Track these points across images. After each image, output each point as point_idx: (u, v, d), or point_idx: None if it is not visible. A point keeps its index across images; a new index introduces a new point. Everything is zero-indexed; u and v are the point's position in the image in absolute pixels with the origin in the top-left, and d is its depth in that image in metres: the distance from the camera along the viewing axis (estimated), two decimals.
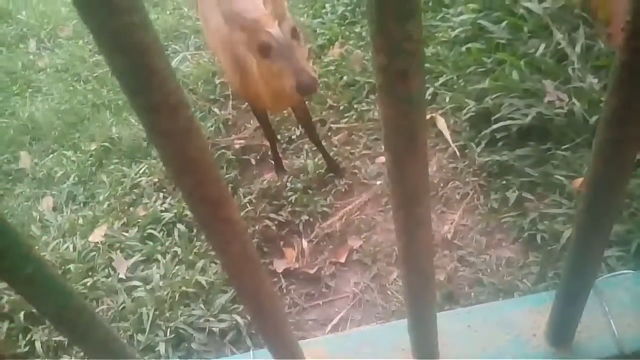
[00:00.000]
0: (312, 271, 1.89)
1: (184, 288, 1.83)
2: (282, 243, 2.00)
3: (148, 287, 1.86)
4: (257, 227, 2.04)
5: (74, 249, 2.05)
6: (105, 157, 2.44)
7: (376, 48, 0.36)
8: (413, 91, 0.38)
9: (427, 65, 2.37)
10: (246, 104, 2.58)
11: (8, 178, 2.52)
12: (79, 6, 0.31)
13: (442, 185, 2.00)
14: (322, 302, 1.81)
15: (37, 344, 1.77)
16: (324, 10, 2.97)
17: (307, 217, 2.04)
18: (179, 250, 1.97)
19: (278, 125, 2.39)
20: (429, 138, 2.17)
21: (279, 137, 2.34)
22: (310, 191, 2.13)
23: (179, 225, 2.05)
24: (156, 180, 2.26)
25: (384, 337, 0.77)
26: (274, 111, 2.15)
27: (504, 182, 1.89)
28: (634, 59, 0.42)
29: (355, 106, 2.38)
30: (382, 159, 2.17)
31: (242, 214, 2.08)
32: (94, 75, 2.96)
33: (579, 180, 1.79)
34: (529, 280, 1.65)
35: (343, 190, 2.10)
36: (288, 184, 2.17)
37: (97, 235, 2.08)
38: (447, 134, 2.12)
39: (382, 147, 0.46)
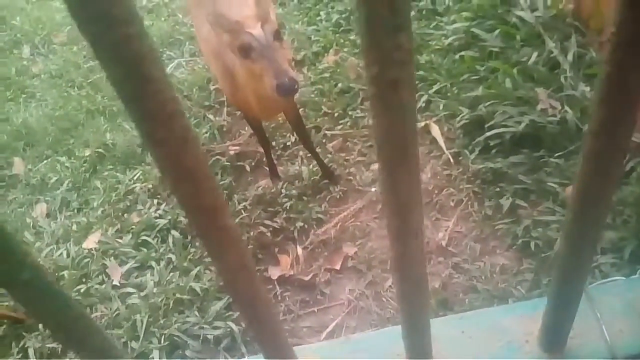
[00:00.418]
0: (306, 278, 1.89)
1: (178, 295, 1.82)
2: (276, 250, 2.00)
3: (142, 293, 1.86)
4: (251, 233, 2.04)
5: (68, 255, 2.04)
6: (100, 163, 2.44)
7: (368, 59, 0.37)
8: (404, 100, 0.38)
9: (421, 72, 2.39)
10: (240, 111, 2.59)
11: (1, 184, 2.51)
12: (76, 18, 0.31)
13: (436, 192, 2.01)
14: (317, 309, 1.81)
15: (30, 351, 1.76)
16: (318, 18, 2.98)
17: (302, 224, 2.04)
18: (173, 257, 1.97)
19: (273, 132, 2.40)
20: (423, 145, 2.19)
21: (273, 143, 2.34)
22: (305, 198, 2.13)
23: (173, 232, 2.05)
24: (150, 186, 2.26)
25: (378, 344, 0.78)
26: (265, 118, 2.14)
27: (498, 189, 1.90)
28: (619, 71, 0.42)
29: (350, 113, 2.39)
30: (377, 165, 2.18)
31: (237, 220, 2.08)
32: (88, 81, 2.95)
33: (572, 187, 1.80)
34: (523, 287, 1.66)
35: (338, 197, 2.10)
36: (283, 191, 2.17)
37: (91, 242, 2.07)
38: (441, 141, 2.13)
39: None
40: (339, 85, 2.50)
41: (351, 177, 2.15)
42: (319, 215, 2.06)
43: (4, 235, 0.41)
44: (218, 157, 2.36)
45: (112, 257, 2.01)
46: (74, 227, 2.16)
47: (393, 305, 1.75)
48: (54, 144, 2.61)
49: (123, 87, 0.34)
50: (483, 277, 1.72)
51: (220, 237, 0.45)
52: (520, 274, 1.70)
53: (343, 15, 2.91)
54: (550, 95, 2.03)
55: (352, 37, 2.76)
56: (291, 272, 1.93)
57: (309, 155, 2.18)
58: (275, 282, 1.90)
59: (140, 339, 1.74)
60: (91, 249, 2.05)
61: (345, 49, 2.70)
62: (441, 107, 2.22)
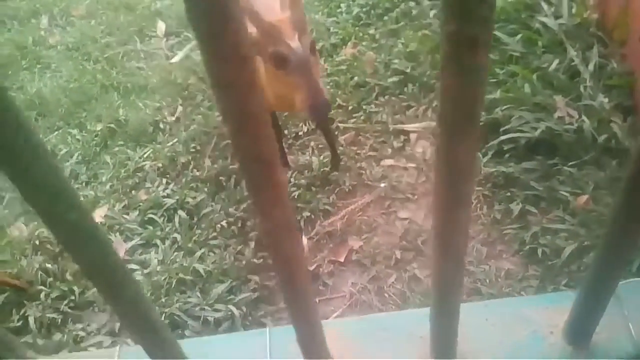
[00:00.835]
0: (310, 268, 1.88)
1: (181, 275, 1.82)
2: None
3: (145, 271, 1.86)
4: (258, 220, 2.04)
5: None
6: (111, 139, 2.44)
7: (446, 15, 0.35)
8: (480, 61, 0.37)
9: (438, 71, 2.37)
10: None
11: None
12: None
13: None
14: (319, 299, 1.81)
15: (31, 320, 1.77)
16: (339, 10, 2.96)
17: (308, 214, 2.04)
18: (178, 236, 1.97)
19: (286, 120, 2.39)
20: (435, 145, 2.17)
21: (285, 132, 2.33)
22: (313, 188, 2.13)
23: (179, 212, 2.05)
24: (160, 165, 2.26)
25: (402, 324, 0.78)
26: (279, 110, 2.12)
27: (509, 193, 1.90)
28: None
29: (364, 107, 2.38)
30: (388, 161, 2.18)
31: (244, 205, 2.08)
32: (105, 56, 2.95)
33: (584, 197, 1.79)
34: (527, 292, 1.65)
35: (347, 190, 2.10)
36: (291, 180, 2.17)
37: (98, 216, 2.08)
38: None
39: (434, 120, 0.45)
40: (355, 78, 2.49)
41: (362, 171, 2.14)
42: (327, 207, 2.06)
43: (57, 174, 0.41)
44: (229, 141, 2.35)
45: (118, 233, 2.01)
46: (81, 200, 2.16)
47: (395, 301, 1.75)
48: (67, 116, 2.61)
49: (202, 22, 0.33)
50: (487, 281, 1.72)
51: (272, 191, 0.45)
52: (525, 280, 1.69)
53: (364, 9, 2.89)
54: (568, 103, 2.02)
55: (371, 32, 2.74)
56: None
57: (321, 146, 2.17)
58: None
59: None
60: (97, 223, 2.05)
61: (364, 43, 2.69)
62: None
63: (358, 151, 2.23)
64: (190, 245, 1.93)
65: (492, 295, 1.66)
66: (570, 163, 1.89)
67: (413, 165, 2.13)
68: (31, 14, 3.51)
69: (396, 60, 2.50)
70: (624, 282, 0.80)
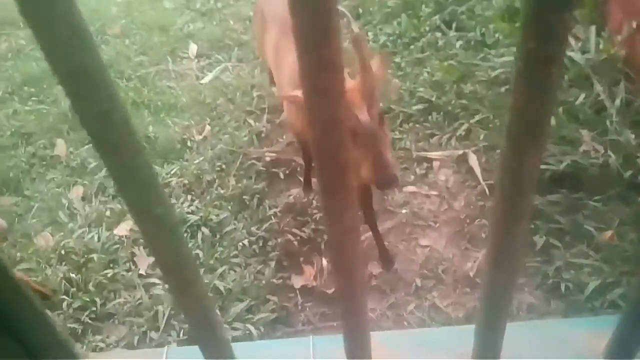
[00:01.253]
0: (329, 291, 1.89)
1: None
2: (302, 259, 2.01)
3: (166, 286, 1.88)
4: (279, 240, 2.06)
5: (99, 239, 2.09)
6: None
7: (526, 34, 0.38)
8: (553, 79, 0.39)
9: (463, 101, 2.39)
10: (280, 119, 2.63)
11: (42, 163, 2.59)
12: None
13: (468, 221, 2.00)
14: (336, 323, 1.81)
15: None
16: (366, 38, 3.02)
17: None
18: (200, 253, 1.99)
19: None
20: (459, 173, 2.18)
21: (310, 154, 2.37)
22: None
23: (203, 229, 2.08)
24: (186, 182, 2.30)
25: (442, 340, 0.79)
26: None
27: (532, 226, 1.88)
28: None
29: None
30: (410, 188, 2.18)
31: (266, 225, 2.10)
32: (137, 74, 3.04)
33: (609, 232, 1.78)
34: None
35: None
36: (314, 202, 2.19)
37: (123, 229, 2.12)
38: (478, 171, 2.12)
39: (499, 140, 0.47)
40: (380, 105, 2.51)
41: (384, 197, 2.15)
42: None
43: (150, 171, 0.44)
44: (254, 161, 2.40)
45: (141, 247, 2.04)
46: (108, 213, 2.21)
47: (413, 328, 1.74)
48: None
49: (304, 33, 0.36)
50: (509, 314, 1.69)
51: (344, 195, 0.47)
52: (548, 315, 1.67)
53: (390, 38, 2.94)
54: (594, 138, 2.02)
55: (397, 60, 2.78)
56: (314, 283, 1.93)
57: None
58: (298, 292, 1.90)
59: (160, 330, 1.76)
60: (122, 236, 2.10)
61: (390, 71, 2.73)
62: (481, 137, 2.22)
63: None
64: (211, 262, 1.96)
65: None
66: (595, 197, 1.88)
67: (435, 192, 2.14)
68: None
69: (421, 89, 2.52)
70: None
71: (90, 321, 1.85)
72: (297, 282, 1.94)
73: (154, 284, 1.90)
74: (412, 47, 2.83)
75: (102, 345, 1.78)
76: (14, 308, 0.53)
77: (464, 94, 2.42)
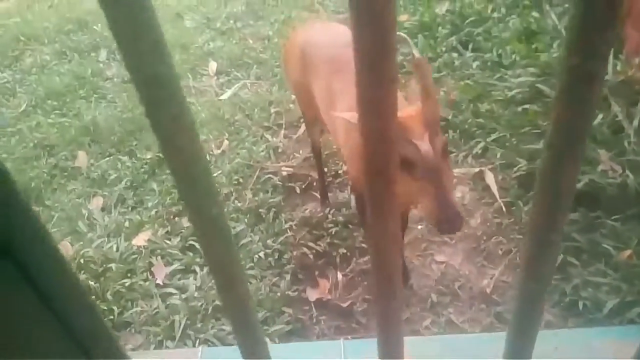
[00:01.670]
0: (344, 305, 1.89)
1: (217, 302, 1.85)
2: (317, 273, 2.02)
3: (183, 296, 1.90)
4: (294, 253, 2.07)
5: (117, 249, 2.12)
6: (159, 167, 2.54)
7: (570, 50, 0.40)
8: (594, 94, 0.42)
9: (480, 120, 2.41)
10: (297, 134, 2.66)
11: (63, 174, 2.64)
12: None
13: (484, 238, 2.00)
14: (351, 337, 1.80)
15: None
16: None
17: (344, 251, 2.06)
18: None
19: (326, 159, 2.45)
20: (475, 191, 2.19)
21: (325, 169, 2.39)
22: (350, 226, 2.16)
23: None
24: None
25: (472, 346, 0.79)
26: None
27: None
28: None
29: None
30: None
31: (282, 238, 2.11)
32: None
33: (627, 252, 1.77)
34: None
35: None
36: (329, 216, 2.20)
37: (141, 240, 2.14)
38: (494, 189, 2.13)
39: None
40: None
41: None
42: (363, 245, 2.08)
43: (208, 172, 0.46)
44: (270, 175, 2.42)
45: (159, 257, 2.07)
46: (126, 224, 2.24)
47: None
48: (118, 143, 2.74)
49: (365, 51, 0.39)
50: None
51: (390, 204, 0.50)
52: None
53: (407, 58, 2.98)
54: (612, 157, 2.02)
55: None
56: (329, 296, 1.93)
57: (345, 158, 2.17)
58: (312, 305, 1.91)
59: (176, 339, 1.77)
60: (140, 246, 2.12)
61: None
62: (498, 156, 2.23)
63: None
64: None
65: None
66: (614, 217, 1.87)
67: None
68: (91, 47, 3.75)
69: None
70: None
71: None
72: (312, 295, 1.94)
73: (171, 294, 1.92)
74: None
75: None
76: (72, 306, 0.55)
77: (480, 112, 2.44)
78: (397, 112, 0.43)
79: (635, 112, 2.16)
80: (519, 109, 2.35)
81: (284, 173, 2.46)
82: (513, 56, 2.69)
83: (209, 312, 1.83)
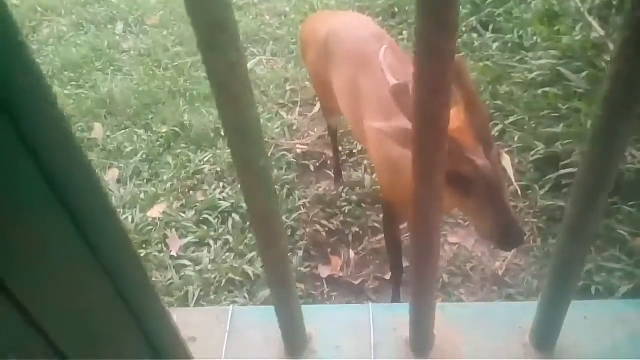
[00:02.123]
0: (355, 282, 1.91)
1: (230, 275, 1.88)
2: (329, 250, 2.03)
3: (197, 267, 1.93)
4: (307, 230, 2.08)
5: (132, 220, 2.14)
6: (174, 141, 2.55)
7: (635, 2, 0.39)
8: None
9: (498, 102, 2.38)
10: (312, 112, 2.65)
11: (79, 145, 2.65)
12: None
13: None
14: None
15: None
16: (400, 36, 3.03)
17: (357, 229, 2.07)
18: (230, 238, 2.03)
19: (340, 137, 2.44)
20: None
21: (340, 148, 2.38)
22: (363, 205, 2.16)
23: (233, 215, 2.11)
24: (218, 169, 2.35)
25: (503, 313, 0.81)
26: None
27: None
28: None
29: None
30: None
31: (295, 215, 2.13)
32: (174, 64, 3.10)
33: None
34: None
35: None
36: (343, 195, 2.21)
37: (156, 211, 2.17)
38: (510, 172, 2.11)
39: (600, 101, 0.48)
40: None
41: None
42: (375, 224, 2.08)
43: (257, 123, 0.47)
44: (285, 152, 2.43)
45: (174, 229, 2.09)
46: (142, 196, 2.27)
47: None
48: (134, 116, 2.75)
49: (426, 64, 0.40)
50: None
51: (435, 184, 0.51)
52: None
53: None
54: (631, 143, 1.99)
55: None
56: (340, 273, 1.95)
57: (373, 165, 2.20)
58: (324, 281, 1.93)
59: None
60: (155, 218, 2.15)
61: None
62: (515, 139, 2.21)
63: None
64: (241, 247, 1.99)
65: None
66: (630, 202, 1.85)
67: None
68: (108, 19, 3.74)
69: None
70: None
71: None
72: (324, 271, 1.96)
73: (185, 265, 1.95)
74: None
75: None
76: (144, 308, 0.55)
77: (498, 94, 2.41)
78: (454, 61, 0.43)
79: None
80: (539, 91, 2.32)
81: (298, 150, 2.46)
82: (534, 38, 2.64)
83: (222, 284, 1.86)
